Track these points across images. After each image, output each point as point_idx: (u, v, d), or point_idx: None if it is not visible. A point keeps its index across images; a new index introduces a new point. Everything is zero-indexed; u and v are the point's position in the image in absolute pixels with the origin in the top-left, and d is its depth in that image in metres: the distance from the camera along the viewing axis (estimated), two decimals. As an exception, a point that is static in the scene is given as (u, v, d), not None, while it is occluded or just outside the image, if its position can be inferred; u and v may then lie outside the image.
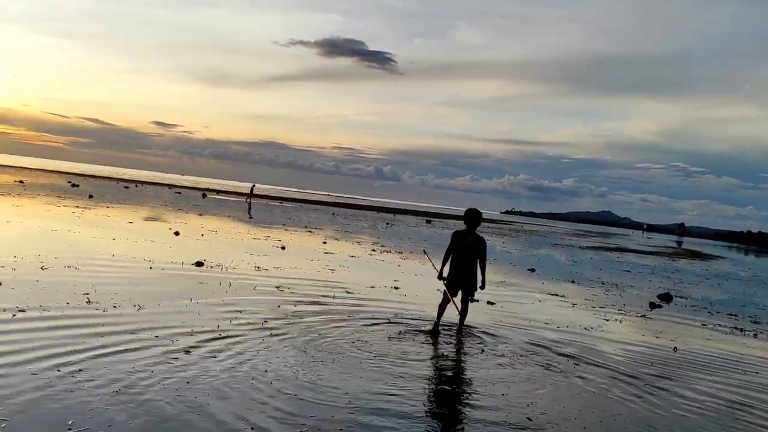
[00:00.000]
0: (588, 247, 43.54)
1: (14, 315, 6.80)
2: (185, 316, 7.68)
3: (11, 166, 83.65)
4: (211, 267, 12.30)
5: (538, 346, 8.28)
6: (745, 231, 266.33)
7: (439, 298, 8.70)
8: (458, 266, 8.41)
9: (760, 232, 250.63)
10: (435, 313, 8.61)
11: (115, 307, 7.77)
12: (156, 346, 6.24)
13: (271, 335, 7.20)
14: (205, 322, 7.51)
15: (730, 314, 14.10)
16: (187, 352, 6.16)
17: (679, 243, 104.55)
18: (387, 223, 45.07)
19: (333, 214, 51.63)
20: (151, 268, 11.32)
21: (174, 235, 17.99)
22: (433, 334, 8.23)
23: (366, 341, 7.38)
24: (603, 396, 6.27)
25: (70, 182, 50.62)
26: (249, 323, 7.69)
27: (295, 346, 6.81)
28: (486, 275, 8.49)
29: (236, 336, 6.99)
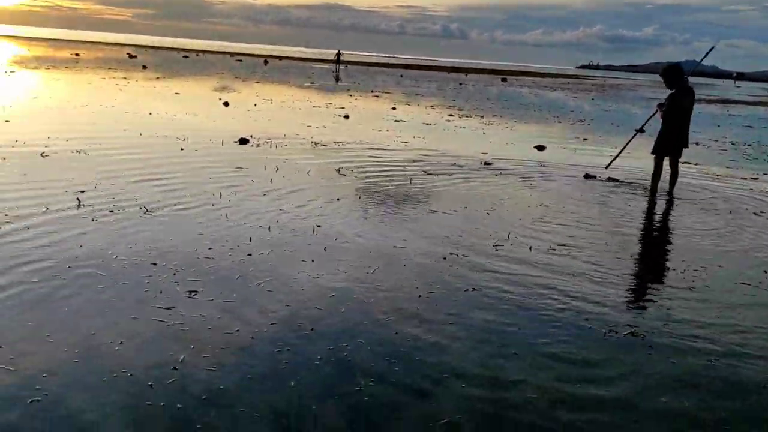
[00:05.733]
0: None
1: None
2: (209, 229, 5.39)
3: (75, 41, 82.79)
4: (258, 144, 9.99)
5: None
6: None
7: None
8: (679, 129, 7.94)
9: None
10: None
11: (111, 212, 5.57)
12: (158, 289, 4.04)
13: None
14: (235, 234, 5.25)
15: None
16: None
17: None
18: (460, 84, 41.39)
19: (400, 76, 48.09)
20: (182, 149, 9.08)
21: (223, 106, 15.76)
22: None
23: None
24: None
25: (128, 54, 48.79)
26: (296, 235, 5.40)
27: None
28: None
29: (269, 271, 4.72)
